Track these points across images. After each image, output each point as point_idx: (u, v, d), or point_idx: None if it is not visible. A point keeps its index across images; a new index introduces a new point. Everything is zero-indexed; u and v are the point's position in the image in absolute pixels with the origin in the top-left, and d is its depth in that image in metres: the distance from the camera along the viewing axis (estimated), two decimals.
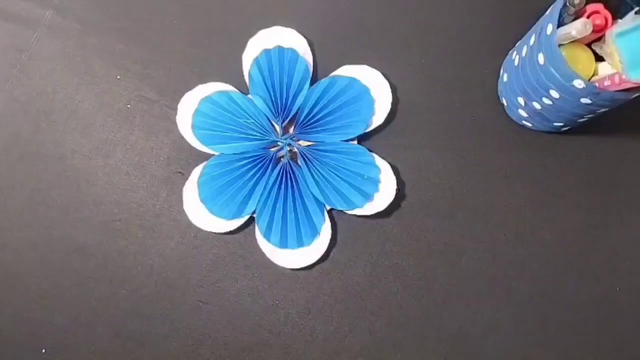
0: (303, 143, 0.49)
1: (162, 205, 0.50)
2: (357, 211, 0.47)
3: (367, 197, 0.47)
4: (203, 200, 0.49)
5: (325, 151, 0.48)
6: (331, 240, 0.48)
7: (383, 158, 0.48)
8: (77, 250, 0.50)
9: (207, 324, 0.48)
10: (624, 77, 0.37)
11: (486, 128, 0.50)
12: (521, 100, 0.46)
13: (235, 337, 0.48)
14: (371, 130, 0.49)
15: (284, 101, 0.49)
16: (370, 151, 0.48)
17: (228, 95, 0.50)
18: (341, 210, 0.48)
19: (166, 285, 0.49)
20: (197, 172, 0.49)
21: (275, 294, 0.48)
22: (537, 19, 0.44)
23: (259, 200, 0.48)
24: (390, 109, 0.49)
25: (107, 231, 0.50)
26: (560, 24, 0.40)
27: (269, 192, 0.48)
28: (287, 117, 0.49)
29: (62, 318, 0.49)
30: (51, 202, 0.51)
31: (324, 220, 0.48)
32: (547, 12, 0.41)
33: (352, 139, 0.49)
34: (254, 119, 0.49)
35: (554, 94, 0.41)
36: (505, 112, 0.50)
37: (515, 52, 0.47)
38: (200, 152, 0.50)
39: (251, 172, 0.48)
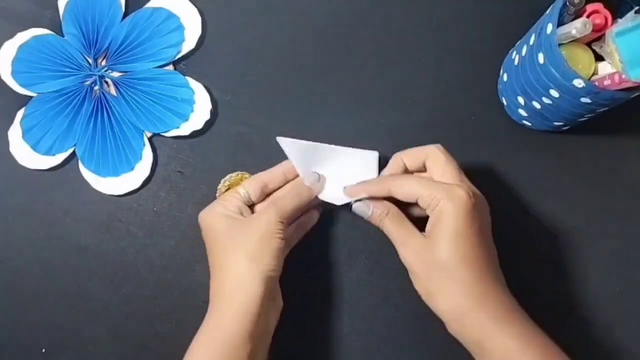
0: (117, 74, 0.51)
1: (161, 205, 0.50)
2: (175, 132, 0.50)
3: (183, 117, 0.49)
4: (26, 140, 0.51)
5: (139, 79, 0.51)
6: (153, 162, 0.50)
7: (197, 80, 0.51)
8: (77, 250, 0.50)
9: None
10: (623, 76, 0.37)
11: (486, 127, 0.50)
12: (521, 100, 0.46)
13: None
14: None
15: (95, 36, 0.52)
16: (184, 75, 0.51)
17: (43, 38, 0.52)
18: (160, 134, 0.50)
19: (166, 285, 0.49)
20: (19, 114, 0.52)
21: None
22: (537, 19, 0.44)
23: (78, 133, 0.50)
24: (201, 34, 0.52)
25: (107, 231, 0.50)
26: (560, 23, 0.40)
27: (87, 124, 0.50)
28: (99, 51, 0.52)
29: (62, 318, 0.49)
30: (51, 201, 0.51)
31: (144, 144, 0.50)
32: (547, 12, 0.41)
33: (167, 65, 0.51)
34: (67, 57, 0.52)
35: (554, 93, 0.41)
36: (505, 111, 0.50)
37: (515, 52, 0.47)
38: (23, 95, 0.52)
39: (69, 107, 0.51)
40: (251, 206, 0.45)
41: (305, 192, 0.44)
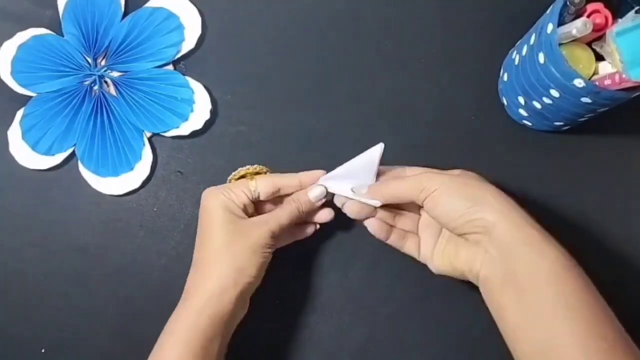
0: (117, 74, 0.51)
1: (161, 205, 0.50)
2: (175, 132, 0.50)
3: (182, 117, 0.49)
4: (25, 140, 0.51)
5: (139, 79, 0.51)
6: (153, 162, 0.50)
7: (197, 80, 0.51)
8: (77, 250, 0.50)
9: None
10: (624, 76, 0.37)
11: (486, 127, 0.50)
12: (521, 100, 0.46)
13: (237, 337, 0.48)
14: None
15: (95, 36, 0.52)
16: (184, 74, 0.51)
17: (43, 38, 0.52)
18: (159, 134, 0.51)
19: (166, 285, 0.49)
20: (19, 114, 0.51)
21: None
22: (537, 19, 0.44)
23: (78, 133, 0.50)
24: (201, 34, 0.52)
25: (107, 231, 0.50)
26: (561, 23, 0.40)
27: (87, 124, 0.50)
28: (99, 51, 0.52)
29: (61, 318, 0.49)
30: (50, 202, 0.51)
31: (144, 144, 0.50)
32: (547, 12, 0.41)
33: (166, 65, 0.51)
34: (67, 57, 0.51)
35: (555, 93, 0.41)
36: (505, 111, 0.50)
37: (515, 52, 0.47)
38: (23, 95, 0.52)
39: (69, 107, 0.51)
40: (257, 202, 0.44)
41: (305, 207, 0.44)
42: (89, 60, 0.52)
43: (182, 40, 0.51)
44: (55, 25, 0.53)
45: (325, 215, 0.46)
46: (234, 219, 0.42)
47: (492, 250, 0.38)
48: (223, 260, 0.40)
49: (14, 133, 0.51)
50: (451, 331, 0.47)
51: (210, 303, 0.40)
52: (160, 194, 0.50)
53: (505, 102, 0.49)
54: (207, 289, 0.40)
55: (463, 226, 0.39)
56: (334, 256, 0.49)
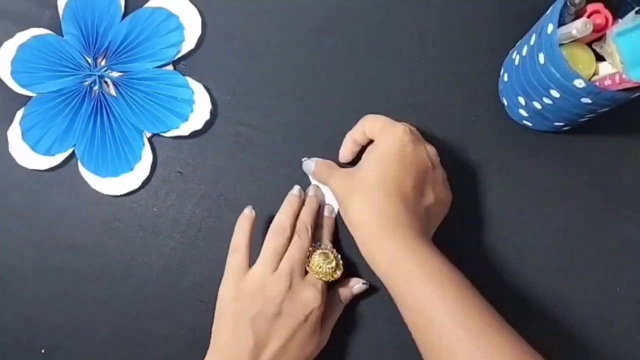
0: (116, 74, 0.51)
1: (161, 205, 0.50)
2: (175, 132, 0.50)
3: (182, 117, 0.49)
4: (25, 140, 0.51)
5: (139, 79, 0.51)
6: (153, 162, 0.50)
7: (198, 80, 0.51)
8: (77, 250, 0.50)
9: (207, 324, 0.48)
10: (624, 76, 0.37)
11: (486, 128, 0.50)
12: (522, 100, 0.46)
13: None
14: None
15: (95, 36, 0.52)
16: (184, 75, 0.51)
17: (43, 38, 0.52)
18: (159, 134, 0.51)
19: (166, 285, 0.49)
20: (19, 114, 0.51)
21: None
22: (538, 19, 0.44)
23: (77, 133, 0.50)
24: (201, 34, 0.52)
25: (107, 231, 0.50)
26: (561, 23, 0.40)
27: (86, 124, 0.50)
28: (99, 51, 0.52)
29: (61, 318, 0.49)
30: (50, 202, 0.51)
31: (144, 145, 0.50)
32: (547, 12, 0.41)
33: (166, 65, 0.51)
34: (67, 57, 0.52)
35: (555, 93, 0.41)
36: (505, 111, 0.50)
37: (515, 52, 0.47)
38: (23, 95, 0.52)
39: (68, 107, 0.51)
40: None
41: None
42: (89, 60, 0.52)
43: (182, 40, 0.51)
44: (55, 25, 0.53)
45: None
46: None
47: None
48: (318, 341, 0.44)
49: (14, 133, 0.51)
50: None
51: None
52: (160, 194, 0.50)
53: (505, 102, 0.49)
54: None
55: None
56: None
